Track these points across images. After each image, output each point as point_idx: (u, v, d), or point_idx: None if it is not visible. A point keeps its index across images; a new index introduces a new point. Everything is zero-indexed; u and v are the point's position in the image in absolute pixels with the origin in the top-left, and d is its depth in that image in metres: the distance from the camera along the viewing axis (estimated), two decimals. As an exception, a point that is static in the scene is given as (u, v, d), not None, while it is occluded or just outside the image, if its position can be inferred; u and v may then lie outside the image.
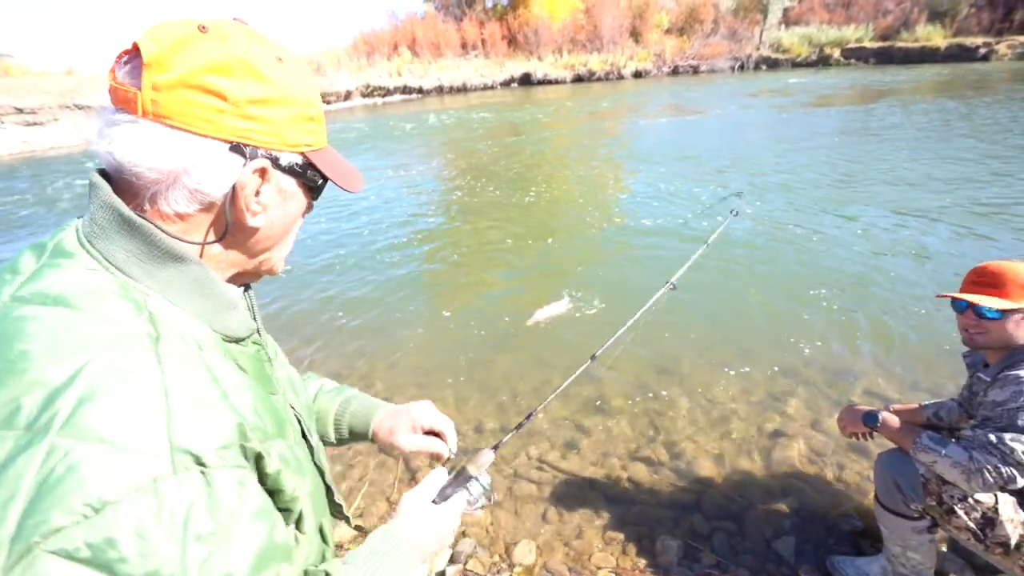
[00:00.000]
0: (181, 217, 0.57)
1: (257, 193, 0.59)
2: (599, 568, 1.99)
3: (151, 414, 0.45)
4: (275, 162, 0.60)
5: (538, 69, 33.53)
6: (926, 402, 1.93)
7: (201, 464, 0.46)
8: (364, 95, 29.25)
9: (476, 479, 0.89)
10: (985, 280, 1.52)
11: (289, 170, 0.62)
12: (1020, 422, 1.37)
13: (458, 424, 2.80)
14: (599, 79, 33.26)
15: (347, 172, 0.68)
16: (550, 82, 32.94)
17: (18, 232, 7.58)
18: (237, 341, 0.64)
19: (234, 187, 0.57)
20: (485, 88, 31.77)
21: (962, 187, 6.29)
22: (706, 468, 2.44)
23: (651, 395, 2.96)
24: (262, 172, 0.58)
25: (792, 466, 2.42)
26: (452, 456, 0.95)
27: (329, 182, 0.67)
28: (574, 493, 2.34)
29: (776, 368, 3.12)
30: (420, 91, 30.55)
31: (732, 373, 3.10)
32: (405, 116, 20.66)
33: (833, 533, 2.07)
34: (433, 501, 0.83)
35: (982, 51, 27.60)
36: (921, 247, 4.71)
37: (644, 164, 9.08)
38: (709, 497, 2.28)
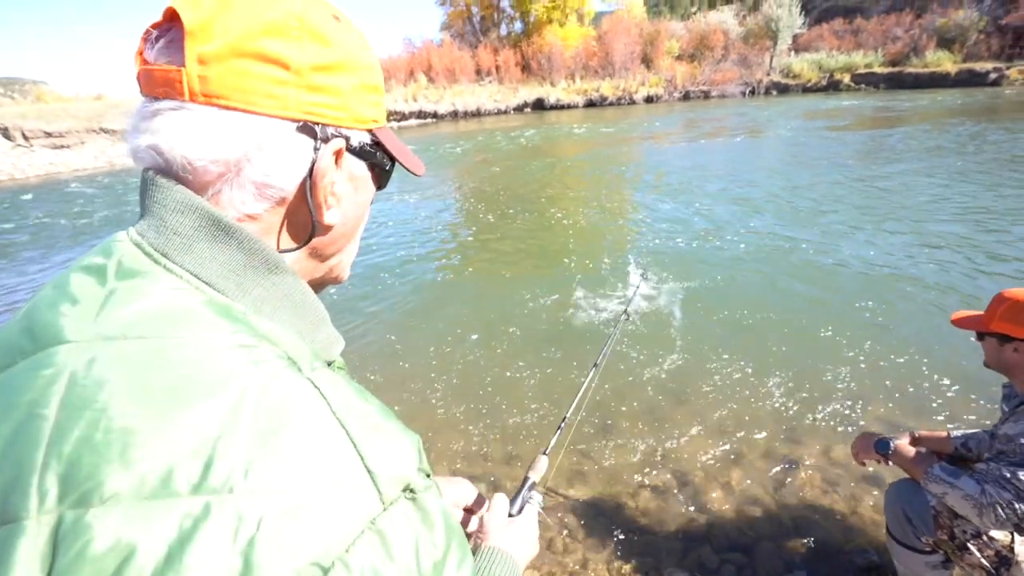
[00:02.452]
0: (253, 218, 0.47)
1: (332, 182, 0.50)
2: (605, 600, 1.94)
3: (337, 448, 0.37)
4: (347, 142, 0.50)
5: (551, 94, 34.16)
6: (955, 432, 1.88)
7: (409, 491, 0.40)
8: (379, 119, 29.81)
9: (535, 484, 0.94)
10: (991, 304, 1.57)
11: (361, 152, 0.52)
12: None
13: (486, 437, 2.79)
14: (611, 104, 33.72)
15: (409, 153, 0.59)
16: (563, 107, 33.46)
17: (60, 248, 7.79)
18: (328, 364, 0.54)
19: (312, 176, 0.48)
20: (499, 113, 32.36)
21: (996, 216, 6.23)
22: (716, 498, 2.39)
23: (659, 421, 2.93)
24: (337, 155, 0.49)
25: (804, 497, 2.36)
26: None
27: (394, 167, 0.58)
28: (579, 522, 2.31)
29: (790, 395, 3.07)
30: (435, 115, 31.18)
31: (743, 399, 3.06)
32: (420, 139, 21.07)
33: (847, 568, 2.01)
34: (510, 514, 0.84)
35: (992, 76, 27.60)
36: (947, 270, 4.65)
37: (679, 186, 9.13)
38: (719, 528, 2.23)
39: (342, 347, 0.55)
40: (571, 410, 1.34)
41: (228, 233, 0.45)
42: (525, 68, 37.79)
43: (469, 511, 0.88)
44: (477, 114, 32.04)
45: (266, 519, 0.33)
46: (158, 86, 0.44)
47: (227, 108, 0.43)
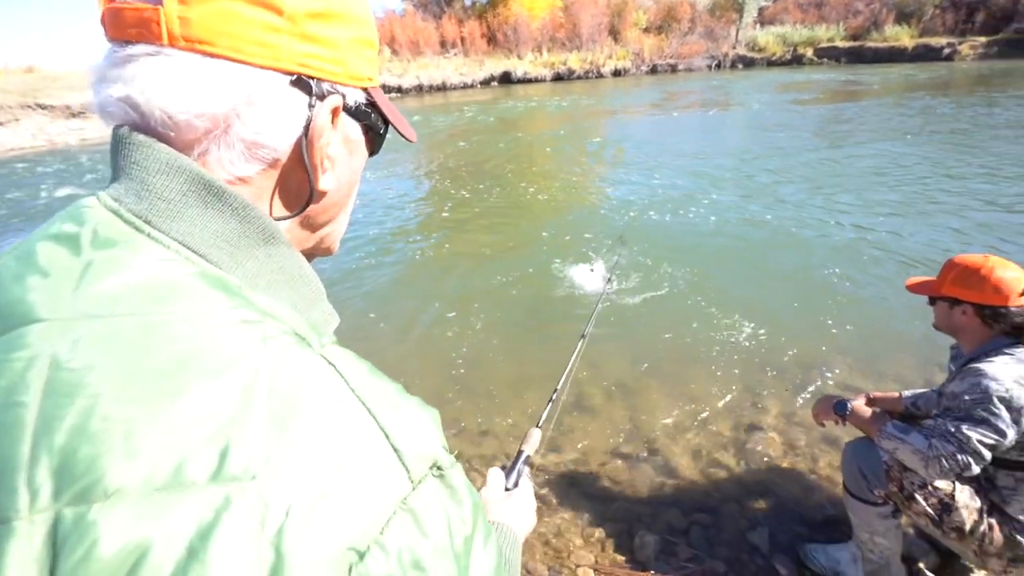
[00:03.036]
0: (244, 181, 0.43)
1: (328, 144, 0.46)
2: (578, 566, 2.00)
3: (361, 427, 0.35)
4: (343, 100, 0.46)
5: (518, 67, 33.55)
6: (906, 392, 1.99)
7: (437, 467, 0.38)
8: (342, 94, 28.82)
9: (529, 457, 0.96)
10: (942, 269, 1.66)
11: (356, 112, 0.48)
12: (976, 413, 1.43)
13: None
14: (579, 77, 33.40)
15: (402, 117, 0.55)
16: (530, 80, 32.96)
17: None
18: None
19: (308, 136, 0.43)
20: (465, 87, 31.64)
21: (957, 186, 6.49)
22: (683, 463, 2.47)
23: (629, 392, 2.99)
24: (334, 114, 0.45)
25: (767, 458, 2.47)
26: None
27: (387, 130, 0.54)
28: (554, 492, 2.35)
29: (753, 362, 3.18)
30: (399, 90, 30.27)
31: (709, 368, 3.15)
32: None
33: (806, 522, 2.12)
34: (506, 488, 0.86)
35: (946, 51, 28.52)
36: (896, 240, 4.84)
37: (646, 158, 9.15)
38: (686, 491, 2.31)
39: (337, 324, 0.51)
40: (561, 382, 1.35)
41: (221, 199, 0.40)
42: (491, 40, 36.90)
43: None
44: (443, 88, 31.25)
45: (295, 506, 0.30)
46: (130, 27, 0.38)
47: (212, 56, 0.38)
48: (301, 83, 0.42)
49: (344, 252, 5.51)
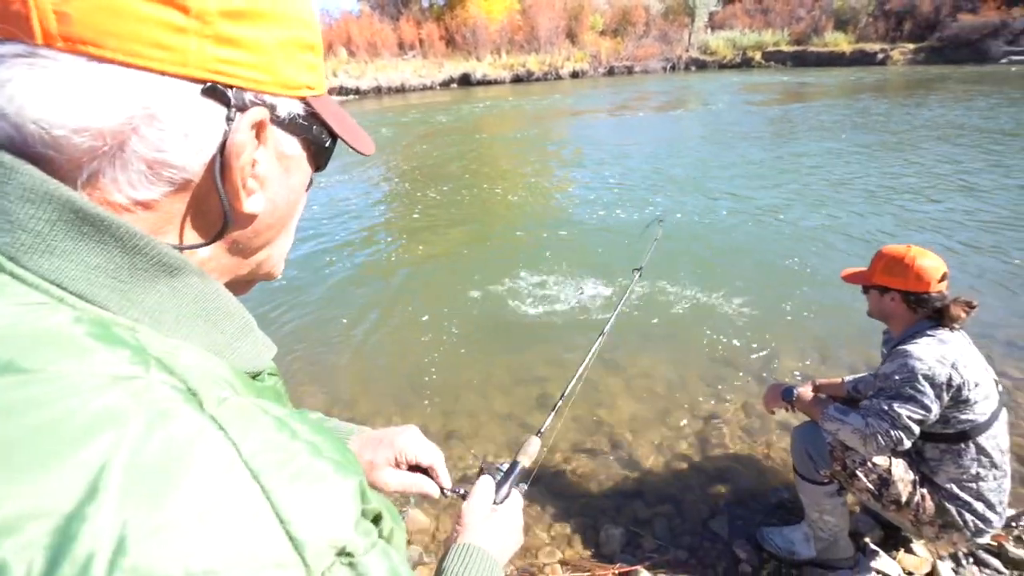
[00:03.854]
0: (146, 206, 0.37)
1: (253, 162, 0.40)
2: (546, 563, 2.01)
3: (248, 510, 0.28)
4: (272, 112, 0.40)
5: (477, 69, 33.50)
6: (848, 376, 2.10)
7: (346, 554, 0.32)
8: (297, 96, 28.05)
9: (525, 470, 0.85)
10: (872, 260, 1.80)
11: (290, 125, 0.42)
12: (904, 391, 1.55)
13: (463, 435, 2.76)
14: (538, 79, 33.66)
15: (352, 126, 0.49)
16: (489, 82, 32.99)
17: None
18: (256, 374, 0.45)
19: (224, 154, 0.38)
20: (424, 88, 31.37)
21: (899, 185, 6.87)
22: (646, 456, 2.53)
23: (592, 387, 3.03)
24: (258, 129, 0.39)
25: (726, 448, 2.55)
26: (447, 494, 0.80)
27: (335, 144, 0.49)
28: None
29: (710, 356, 3.28)
30: (357, 92, 29.73)
31: (669, 362, 3.23)
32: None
33: (763, 507, 2.20)
34: (495, 502, 0.76)
35: (880, 56, 30.36)
36: (841, 235, 5.10)
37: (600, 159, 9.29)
38: (649, 484, 2.36)
39: (273, 353, 0.46)
40: (570, 385, 1.21)
41: (100, 228, 0.34)
42: (450, 42, 36.75)
43: (418, 469, 0.79)
44: (402, 90, 30.88)
45: None
46: None
47: (99, 59, 0.32)
48: (215, 93, 0.36)
49: (303, 260, 5.36)
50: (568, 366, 3.23)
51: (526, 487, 0.84)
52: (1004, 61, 25.71)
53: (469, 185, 8.15)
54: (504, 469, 0.83)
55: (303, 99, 0.43)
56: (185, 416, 0.30)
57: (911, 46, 30.29)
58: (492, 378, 3.18)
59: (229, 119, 0.37)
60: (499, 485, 0.79)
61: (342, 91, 29.49)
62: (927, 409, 1.53)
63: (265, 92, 0.39)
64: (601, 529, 2.13)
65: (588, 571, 1.95)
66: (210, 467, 0.28)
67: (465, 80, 33.04)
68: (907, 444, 1.55)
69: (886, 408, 1.56)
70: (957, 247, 4.65)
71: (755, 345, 3.36)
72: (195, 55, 0.35)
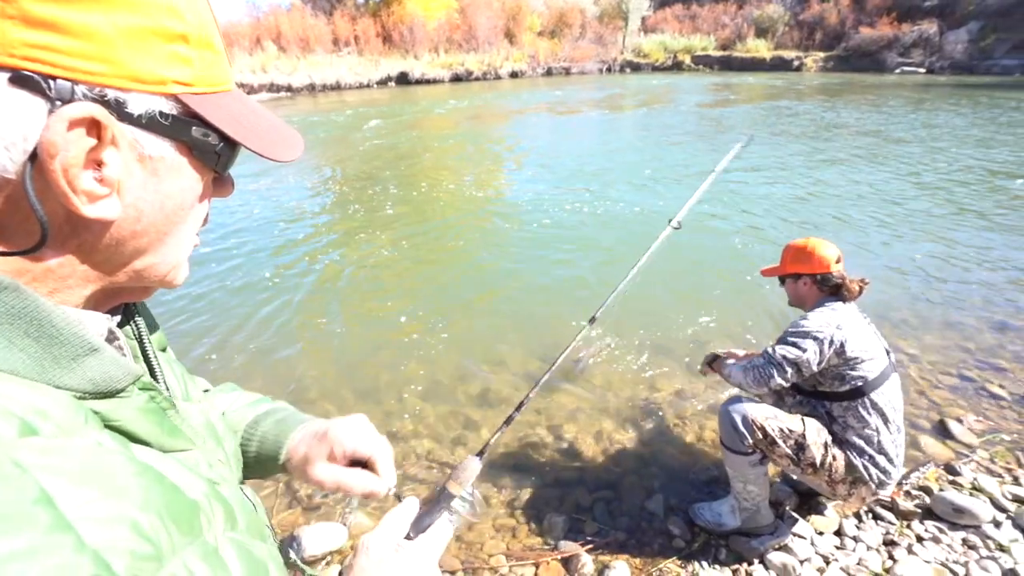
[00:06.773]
0: None
1: (98, 163, 0.36)
2: (491, 556, 2.04)
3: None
4: (120, 109, 0.36)
5: (415, 68, 33.01)
6: None
7: None
8: (224, 92, 26.47)
9: (460, 497, 0.72)
10: (782, 254, 2.09)
11: (150, 124, 0.38)
12: (786, 338, 1.87)
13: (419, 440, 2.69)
14: (477, 79, 33.64)
15: (267, 129, 0.45)
16: (428, 81, 32.62)
17: None
18: (112, 394, 0.40)
19: (38, 151, 0.34)
20: (361, 87, 30.53)
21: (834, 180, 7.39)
22: (587, 445, 2.61)
23: (530, 381, 3.09)
24: (93, 126, 0.35)
25: (661, 433, 2.68)
26: (391, 492, 0.70)
27: (238, 148, 0.44)
28: (465, 487, 2.37)
29: (645, 345, 3.43)
30: (290, 89, 28.49)
31: (603, 352, 3.35)
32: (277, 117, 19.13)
33: (694, 485, 2.34)
34: (407, 536, 0.64)
35: (796, 63, 32.91)
36: (777, 228, 5.46)
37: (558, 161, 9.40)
38: (590, 472, 2.45)
39: (139, 373, 0.42)
40: (531, 394, 1.14)
41: None
42: (386, 40, 35.94)
43: (359, 464, 0.70)
44: (337, 87, 29.89)
45: None
46: None
47: None
48: (28, 82, 0.32)
49: (226, 270, 5.10)
50: (510, 363, 3.28)
51: (461, 515, 0.72)
52: (897, 72, 28.55)
53: (408, 186, 8.04)
54: (439, 491, 0.72)
55: (174, 96, 0.39)
56: None
57: (822, 55, 33.04)
58: (437, 378, 3.17)
59: (51, 112, 0.33)
60: (421, 516, 0.67)
61: (273, 88, 28.18)
62: (801, 350, 1.80)
63: (107, 86, 0.35)
64: (544, 518, 2.18)
65: (531, 560, 2.00)
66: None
67: (403, 79, 32.47)
68: (777, 379, 1.83)
69: (768, 350, 1.89)
70: (848, 246, 5.11)
71: (684, 338, 3.55)
72: None
